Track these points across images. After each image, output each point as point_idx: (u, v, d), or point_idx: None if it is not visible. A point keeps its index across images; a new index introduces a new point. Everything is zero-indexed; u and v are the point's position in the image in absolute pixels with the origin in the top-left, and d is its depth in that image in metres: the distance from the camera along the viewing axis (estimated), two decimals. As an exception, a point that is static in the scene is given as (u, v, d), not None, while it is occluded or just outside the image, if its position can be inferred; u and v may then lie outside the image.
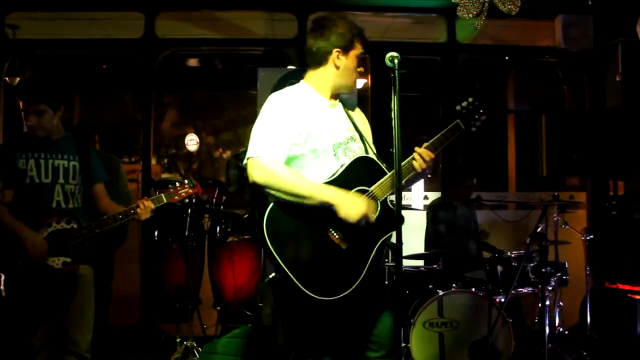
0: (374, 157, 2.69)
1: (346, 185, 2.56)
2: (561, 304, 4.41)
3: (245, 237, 4.97)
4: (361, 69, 2.75)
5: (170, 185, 3.48)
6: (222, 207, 5.06)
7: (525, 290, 4.40)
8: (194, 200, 4.86)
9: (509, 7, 5.79)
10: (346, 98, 2.88)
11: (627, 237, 5.02)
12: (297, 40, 6.07)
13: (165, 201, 3.42)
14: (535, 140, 7.16)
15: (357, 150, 2.70)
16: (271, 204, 2.52)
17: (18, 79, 5.96)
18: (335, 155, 2.63)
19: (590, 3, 5.97)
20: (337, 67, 2.69)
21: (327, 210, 2.47)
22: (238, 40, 6.32)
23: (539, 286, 4.30)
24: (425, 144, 2.67)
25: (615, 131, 6.04)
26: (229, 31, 6.23)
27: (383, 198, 2.60)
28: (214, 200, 5.05)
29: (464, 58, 6.28)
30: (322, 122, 2.65)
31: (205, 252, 5.12)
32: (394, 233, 2.37)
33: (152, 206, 3.36)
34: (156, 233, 4.94)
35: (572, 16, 6.06)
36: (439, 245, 5.05)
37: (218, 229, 5.01)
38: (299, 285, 2.43)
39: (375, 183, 2.60)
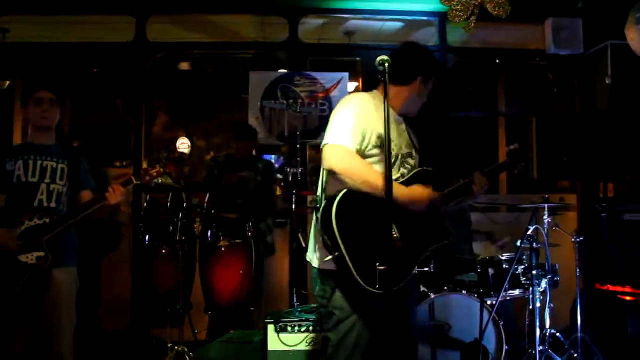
0: (432, 171, 2.90)
1: None
2: (552, 305, 4.41)
3: (237, 241, 4.96)
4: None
5: (142, 169, 3.50)
6: (213, 212, 5.05)
7: (517, 293, 4.40)
8: (184, 205, 4.86)
9: (499, 11, 5.82)
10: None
11: (617, 238, 5.04)
12: (288, 43, 6.08)
13: (135, 182, 3.43)
14: (526, 142, 7.20)
15: (412, 165, 2.92)
16: (344, 191, 2.60)
17: (8, 82, 5.93)
18: (395, 165, 2.81)
19: (580, 6, 6.01)
20: (416, 92, 2.90)
21: (393, 207, 2.50)
22: (229, 44, 6.33)
23: (530, 288, 4.31)
24: (480, 172, 2.97)
25: (605, 133, 6.07)
26: (220, 35, 6.23)
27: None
28: (205, 205, 5.04)
29: (455, 61, 6.31)
30: (393, 132, 2.74)
31: (196, 257, 5.10)
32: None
33: (122, 189, 3.36)
34: (147, 237, 4.92)
35: (562, 19, 6.11)
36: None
37: (209, 233, 4.99)
38: (353, 270, 2.53)
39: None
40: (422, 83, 2.89)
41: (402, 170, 2.85)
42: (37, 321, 3.25)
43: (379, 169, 2.69)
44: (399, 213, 2.63)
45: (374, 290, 2.52)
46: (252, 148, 5.53)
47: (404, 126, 2.98)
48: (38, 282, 3.23)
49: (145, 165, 5.74)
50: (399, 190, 2.65)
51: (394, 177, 2.68)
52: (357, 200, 2.61)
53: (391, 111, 2.77)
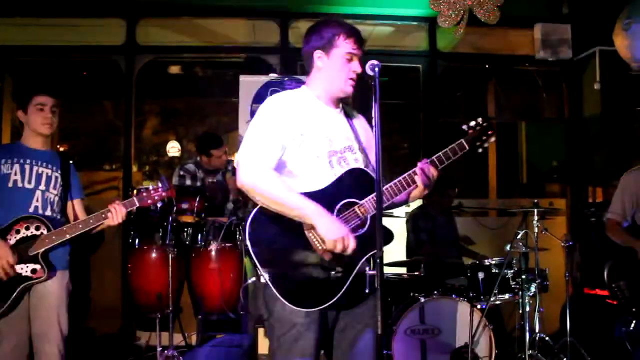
0: (368, 170, 2.58)
1: (336, 197, 2.50)
2: (542, 310, 4.43)
3: (227, 245, 4.94)
4: (356, 70, 2.58)
5: (143, 189, 3.46)
6: (203, 215, 5.03)
7: (506, 297, 4.42)
8: (174, 209, 4.83)
9: (489, 17, 5.86)
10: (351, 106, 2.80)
11: (605, 243, 5.07)
12: (279, 47, 6.08)
13: (137, 204, 3.38)
14: (516, 147, 7.24)
15: (353, 162, 2.61)
16: (255, 210, 2.48)
17: (-1, 85, 5.91)
18: (330, 163, 2.56)
19: (565, 12, 6.06)
20: (320, 69, 2.62)
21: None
22: (220, 48, 6.33)
23: (520, 293, 4.33)
24: (428, 160, 2.63)
25: (594, 138, 6.12)
26: (210, 38, 6.23)
27: (374, 213, 2.47)
28: (195, 209, 5.02)
29: (445, 66, 6.34)
30: (318, 128, 2.58)
31: (186, 261, 5.08)
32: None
33: (125, 210, 3.33)
34: (137, 241, 4.89)
35: (550, 25, 6.15)
36: (420, 253, 5.07)
37: (199, 237, 4.97)
38: (277, 294, 2.40)
39: (367, 197, 2.51)
40: (322, 57, 2.60)
41: (338, 167, 2.56)
42: (27, 329, 3.23)
43: (311, 173, 2.53)
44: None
45: (299, 309, 2.41)
46: (225, 155, 5.53)
47: (341, 117, 2.69)
48: (31, 293, 3.21)
49: (135, 169, 5.72)
50: (315, 220, 2.39)
51: (323, 182, 2.51)
52: (272, 218, 2.45)
53: (318, 103, 2.64)
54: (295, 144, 2.53)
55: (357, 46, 2.58)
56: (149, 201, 3.40)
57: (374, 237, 2.27)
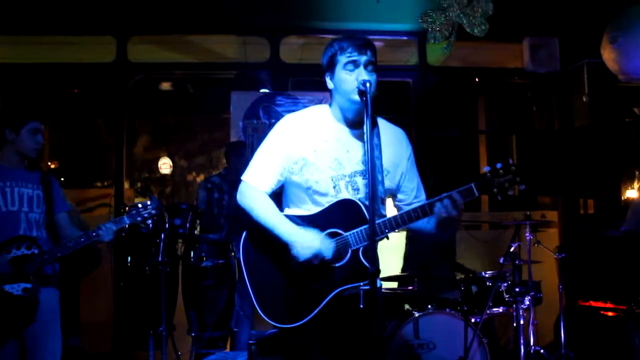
0: (358, 202, 2.50)
1: (322, 224, 2.53)
2: (536, 322, 4.43)
3: (220, 261, 4.92)
4: (361, 77, 2.45)
5: (132, 207, 3.46)
6: (195, 232, 5.01)
7: (500, 310, 4.42)
8: (167, 226, 4.82)
9: (477, 30, 5.90)
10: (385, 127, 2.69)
11: (598, 254, 5.09)
12: (269, 63, 6.10)
13: (127, 222, 3.40)
14: (507, 159, 7.25)
15: (362, 187, 2.57)
16: (246, 230, 2.60)
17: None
18: (335, 187, 2.56)
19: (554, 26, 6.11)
20: (332, 90, 2.62)
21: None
22: (210, 64, 6.34)
23: (514, 305, 4.33)
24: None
25: (584, 150, 6.15)
26: (201, 55, 6.24)
27: (356, 247, 2.48)
28: (188, 225, 5.00)
29: (435, 80, 6.37)
30: (325, 151, 2.57)
31: (179, 278, 5.05)
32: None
33: (114, 228, 3.35)
34: (129, 259, 4.86)
35: (539, 38, 6.21)
36: (416, 263, 5.07)
37: (192, 253, 4.95)
38: (258, 308, 2.54)
39: (352, 229, 2.49)
40: (330, 77, 2.60)
41: (345, 192, 2.56)
42: (18, 349, 3.21)
43: (309, 198, 2.59)
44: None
45: (280, 325, 2.53)
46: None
47: (356, 140, 2.60)
48: (22, 313, 3.19)
49: (127, 185, 5.70)
50: (284, 229, 2.50)
51: (317, 208, 2.56)
52: (259, 238, 2.59)
53: (334, 124, 2.62)
54: (297, 169, 2.58)
55: (356, 52, 2.52)
56: (139, 218, 3.42)
57: (352, 272, 2.43)
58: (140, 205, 3.46)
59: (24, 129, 3.39)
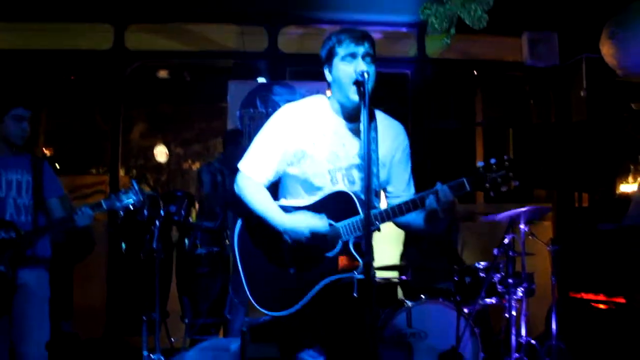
0: (352, 194, 2.50)
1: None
2: (527, 313, 4.45)
3: (214, 249, 4.93)
4: (360, 68, 2.43)
5: (113, 194, 3.44)
6: (190, 219, 5.02)
7: (493, 301, 4.43)
8: (162, 213, 4.82)
9: (477, 23, 5.89)
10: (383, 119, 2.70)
11: (591, 247, 5.11)
12: (267, 53, 6.09)
13: (104, 207, 3.36)
14: (503, 152, 7.26)
15: (358, 180, 2.58)
16: (241, 219, 2.64)
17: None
18: (332, 179, 2.57)
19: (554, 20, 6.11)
20: (330, 82, 2.61)
21: (281, 233, 2.51)
22: (208, 53, 6.33)
23: (506, 296, 4.34)
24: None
25: (581, 144, 6.16)
26: (199, 44, 6.23)
27: (347, 238, 2.48)
28: (183, 212, 5.01)
29: (433, 72, 6.36)
30: (323, 143, 2.58)
31: (173, 265, 5.06)
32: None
33: (89, 212, 3.33)
34: (123, 245, 4.87)
35: (538, 33, 6.19)
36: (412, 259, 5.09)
37: (186, 241, 4.96)
38: (249, 296, 2.57)
39: (345, 220, 2.49)
40: (328, 70, 2.59)
41: (342, 184, 2.57)
42: (7, 327, 3.21)
43: (307, 190, 2.60)
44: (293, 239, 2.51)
45: (269, 312, 2.55)
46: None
47: (352, 133, 2.61)
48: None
49: (122, 173, 5.70)
50: (276, 217, 2.53)
51: (313, 199, 2.57)
52: (254, 227, 2.62)
53: (332, 116, 2.62)
54: (295, 160, 2.59)
55: (353, 44, 2.51)
56: (117, 204, 3.37)
57: (341, 260, 2.46)
58: (122, 191, 3.42)
59: (7, 116, 3.39)
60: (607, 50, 5.41)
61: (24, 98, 3.46)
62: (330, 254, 2.50)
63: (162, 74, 7.51)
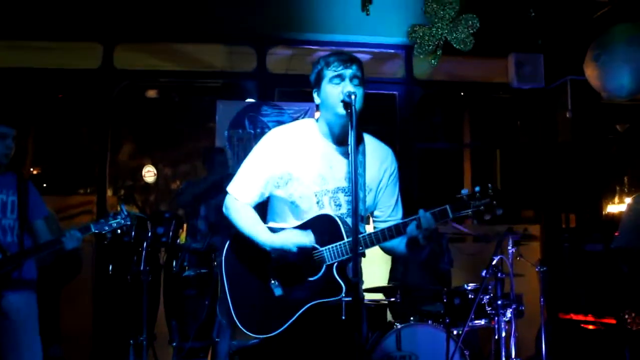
0: (337, 219, 2.49)
1: None
2: (517, 335, 4.44)
3: (202, 271, 4.89)
4: (347, 89, 2.46)
5: (102, 217, 3.41)
6: (178, 241, 4.99)
7: (482, 322, 4.43)
8: (149, 234, 4.78)
9: (463, 45, 5.96)
10: (370, 142, 2.70)
11: (579, 268, 5.13)
12: (256, 73, 6.10)
13: (93, 230, 3.34)
14: (491, 173, 7.31)
15: (344, 203, 2.58)
16: (229, 240, 2.65)
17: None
18: (318, 203, 2.57)
19: (540, 42, 6.19)
20: (319, 105, 2.62)
21: (268, 254, 2.53)
22: (197, 73, 6.33)
23: (495, 318, 4.34)
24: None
25: (567, 165, 6.22)
26: (188, 63, 6.23)
27: (330, 262, 2.47)
28: (171, 234, 4.97)
29: (421, 94, 6.41)
30: (309, 166, 2.58)
31: (161, 287, 5.01)
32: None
33: (78, 235, 3.30)
34: (110, 267, 4.82)
35: (524, 55, 6.27)
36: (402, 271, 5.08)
37: (174, 263, 4.92)
38: (234, 317, 2.58)
39: (329, 244, 2.48)
40: (318, 94, 2.60)
41: (329, 208, 2.57)
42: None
43: (293, 213, 2.60)
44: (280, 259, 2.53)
45: (254, 335, 2.55)
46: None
47: (340, 157, 2.61)
48: None
49: (110, 193, 5.65)
50: (262, 235, 2.54)
51: (298, 222, 2.57)
52: (241, 248, 2.63)
53: (320, 139, 2.62)
54: (282, 182, 2.60)
55: (341, 66, 2.53)
56: (106, 227, 3.35)
57: (324, 288, 2.45)
58: (111, 215, 3.40)
59: None
60: (591, 73, 5.48)
61: (7, 116, 3.40)
62: (313, 278, 2.51)
63: (151, 93, 7.49)
